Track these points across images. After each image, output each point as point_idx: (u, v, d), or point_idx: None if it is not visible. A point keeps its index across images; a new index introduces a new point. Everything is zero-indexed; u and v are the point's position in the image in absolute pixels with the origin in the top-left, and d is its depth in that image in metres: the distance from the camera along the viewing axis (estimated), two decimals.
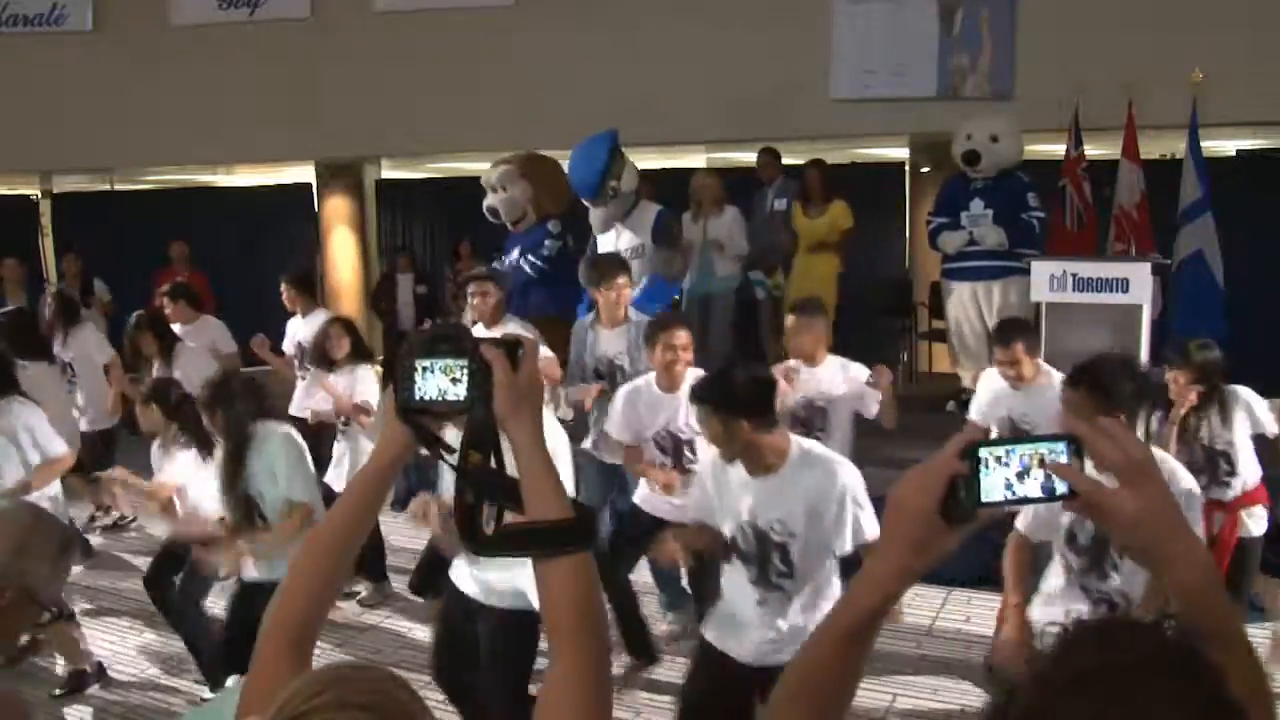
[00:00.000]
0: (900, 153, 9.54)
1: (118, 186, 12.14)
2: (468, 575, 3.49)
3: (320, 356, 5.65)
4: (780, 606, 3.09)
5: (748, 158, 8.47)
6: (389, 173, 11.28)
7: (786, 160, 8.22)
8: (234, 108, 9.62)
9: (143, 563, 6.06)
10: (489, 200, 6.90)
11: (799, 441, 3.15)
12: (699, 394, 3.15)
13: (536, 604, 1.29)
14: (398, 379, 1.30)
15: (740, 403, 3.02)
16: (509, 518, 1.29)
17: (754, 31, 8.55)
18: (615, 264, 5.25)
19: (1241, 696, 0.93)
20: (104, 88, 9.91)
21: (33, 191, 11.86)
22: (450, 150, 10.58)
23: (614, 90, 8.81)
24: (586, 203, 6.52)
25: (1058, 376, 4.08)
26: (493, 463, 1.27)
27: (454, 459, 1.28)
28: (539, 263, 6.73)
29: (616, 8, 9.02)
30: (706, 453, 3.51)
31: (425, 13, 9.46)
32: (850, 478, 3.08)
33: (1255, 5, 7.48)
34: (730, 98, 8.45)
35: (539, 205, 6.82)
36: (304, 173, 11.10)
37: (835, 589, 3.14)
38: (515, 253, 6.83)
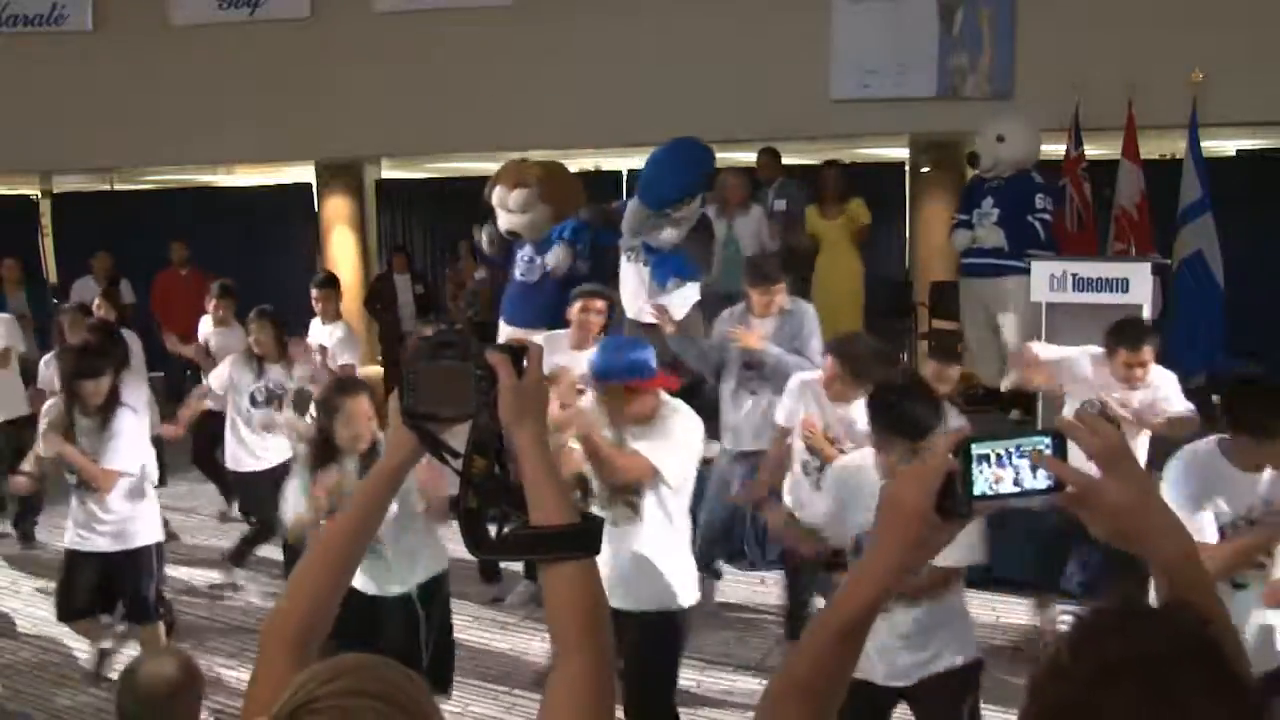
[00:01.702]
0: (900, 153, 9.55)
1: (118, 186, 12.15)
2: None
3: None
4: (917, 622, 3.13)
5: (748, 158, 8.47)
6: (389, 173, 11.28)
7: (786, 160, 8.23)
8: (234, 108, 9.62)
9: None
10: (508, 223, 6.58)
11: None
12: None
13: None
14: (403, 384, 1.30)
15: None
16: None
17: (754, 31, 8.55)
18: (775, 267, 5.27)
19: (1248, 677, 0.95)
20: (104, 88, 9.91)
21: (33, 191, 11.88)
22: (450, 150, 10.59)
23: (614, 90, 8.82)
24: (637, 202, 6.15)
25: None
26: (497, 469, 1.28)
27: (459, 464, 1.28)
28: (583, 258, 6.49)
29: (616, 8, 9.02)
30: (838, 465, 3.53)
31: (425, 13, 9.45)
32: None
33: (1255, 5, 7.48)
34: (730, 98, 8.45)
35: (559, 220, 6.60)
36: (304, 173, 11.10)
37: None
38: (532, 250, 6.51)
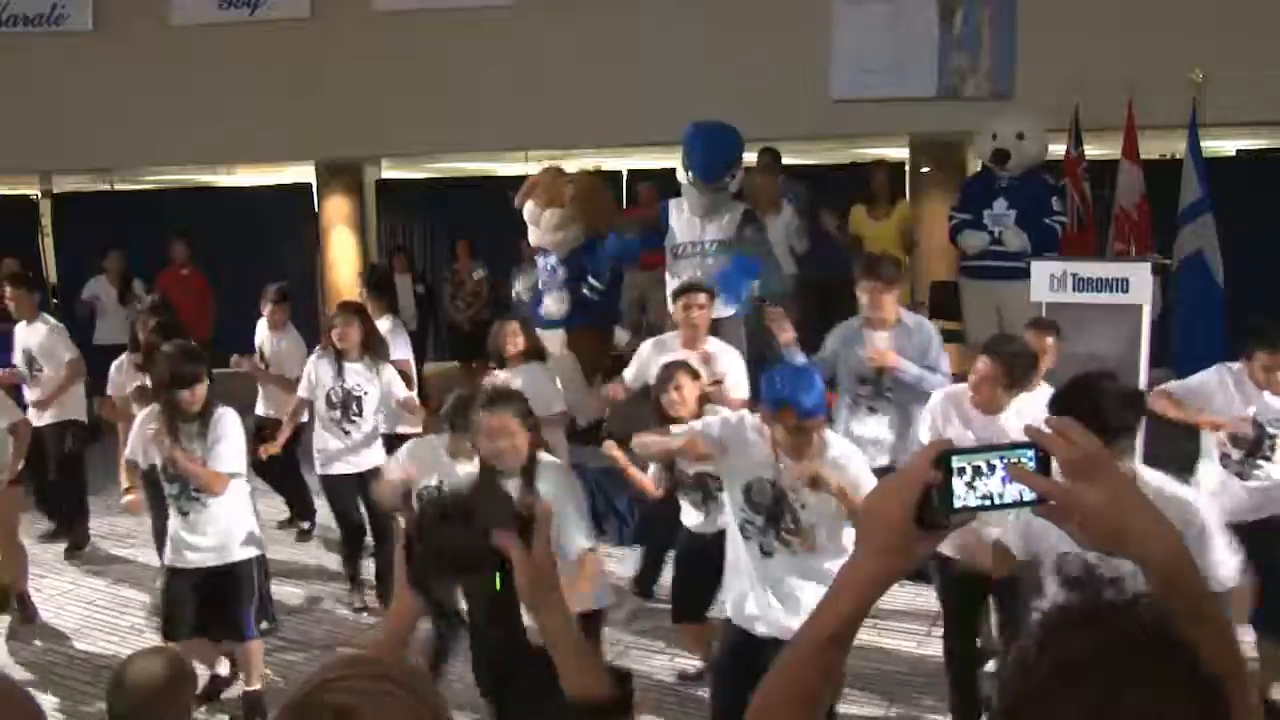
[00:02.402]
0: (900, 153, 9.55)
1: (118, 186, 12.15)
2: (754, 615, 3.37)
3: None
4: None
5: (748, 158, 8.47)
6: (389, 173, 11.28)
7: (786, 160, 8.24)
8: (234, 108, 9.62)
9: None
10: (539, 240, 6.61)
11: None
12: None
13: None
14: (409, 549, 1.35)
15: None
16: None
17: (754, 31, 8.55)
18: (891, 268, 4.99)
19: (1217, 671, 0.94)
20: (104, 88, 9.91)
21: (33, 191, 11.88)
22: (450, 150, 10.58)
23: (614, 90, 8.82)
24: (694, 184, 6.14)
25: None
26: (514, 632, 1.34)
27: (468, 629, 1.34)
28: (598, 285, 6.61)
29: (616, 8, 9.02)
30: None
31: (425, 13, 9.46)
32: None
33: (1255, 5, 7.48)
34: (730, 98, 8.44)
35: (589, 235, 6.66)
36: (304, 173, 11.10)
37: None
38: (556, 261, 6.58)
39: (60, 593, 5.83)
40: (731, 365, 4.97)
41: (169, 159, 10.69)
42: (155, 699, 2.45)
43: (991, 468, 1.11)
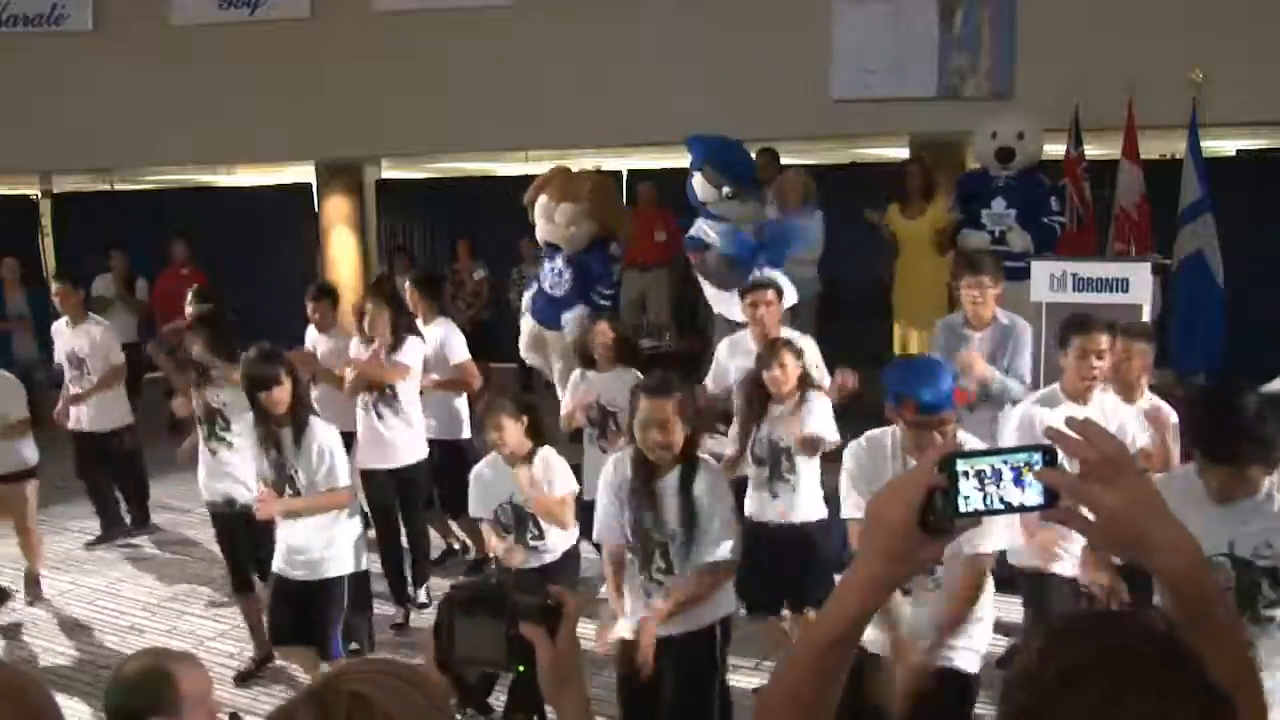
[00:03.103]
0: (900, 153, 9.54)
1: (118, 186, 12.16)
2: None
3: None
4: None
5: None
6: (389, 173, 11.28)
7: (786, 160, 8.23)
8: (234, 108, 9.62)
9: None
10: (548, 234, 6.43)
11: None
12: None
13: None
14: (437, 631, 1.39)
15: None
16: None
17: (754, 31, 8.55)
18: (992, 265, 4.92)
19: (1229, 681, 0.94)
20: (104, 88, 9.92)
21: (33, 191, 11.89)
22: (450, 150, 10.59)
23: (614, 90, 8.82)
24: (732, 191, 6.15)
25: None
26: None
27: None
28: (608, 292, 6.50)
29: (616, 8, 9.02)
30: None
31: (425, 13, 9.46)
32: None
33: (1255, 5, 7.48)
34: (730, 98, 8.45)
35: (600, 233, 6.58)
36: (304, 173, 11.11)
37: None
38: (562, 264, 6.43)
39: (60, 592, 5.82)
40: (810, 348, 4.85)
41: (169, 159, 10.69)
42: (154, 699, 2.45)
43: (997, 471, 1.11)
